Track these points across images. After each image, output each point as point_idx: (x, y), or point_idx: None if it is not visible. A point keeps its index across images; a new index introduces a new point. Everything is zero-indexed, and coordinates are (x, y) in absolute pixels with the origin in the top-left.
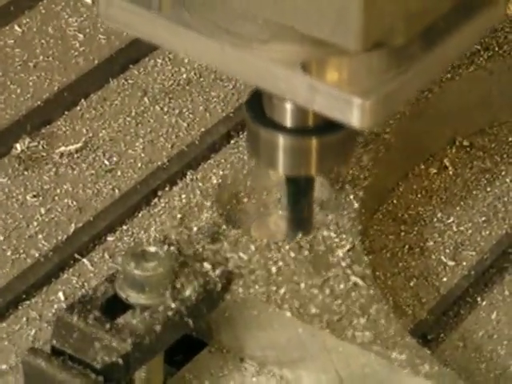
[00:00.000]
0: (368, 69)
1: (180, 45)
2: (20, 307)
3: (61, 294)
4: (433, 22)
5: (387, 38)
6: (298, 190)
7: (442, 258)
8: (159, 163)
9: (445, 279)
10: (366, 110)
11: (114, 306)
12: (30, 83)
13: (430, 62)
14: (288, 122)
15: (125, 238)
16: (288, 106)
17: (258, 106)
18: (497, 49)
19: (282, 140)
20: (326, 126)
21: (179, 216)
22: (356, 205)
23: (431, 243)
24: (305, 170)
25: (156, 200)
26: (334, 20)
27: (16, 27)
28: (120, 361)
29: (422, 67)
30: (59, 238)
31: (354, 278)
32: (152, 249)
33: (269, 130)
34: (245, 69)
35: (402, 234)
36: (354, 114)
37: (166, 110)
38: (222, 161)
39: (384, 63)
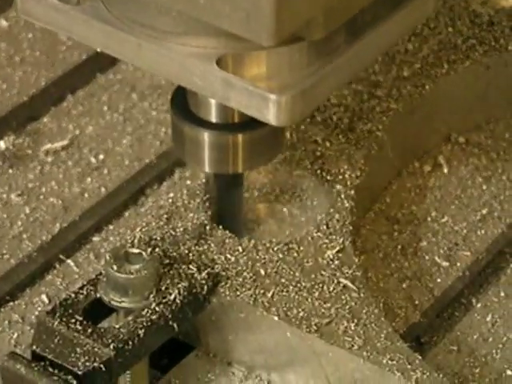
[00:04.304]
0: (287, 64)
1: (97, 40)
2: (2, 309)
3: (44, 297)
4: (357, 14)
5: (305, 31)
6: (227, 187)
7: (436, 258)
8: (147, 161)
9: (439, 280)
10: (282, 106)
11: (97, 310)
12: (16, 78)
13: (354, 56)
14: (213, 117)
15: (111, 238)
16: (212, 102)
17: (183, 101)
18: (493, 43)
19: (207, 137)
20: (252, 122)
21: (165, 216)
22: (347, 204)
23: (425, 243)
24: (232, 168)
25: (143, 199)
26: (245, 13)
27: (2, 21)
28: (102, 367)
29: (345, 61)
30: (44, 238)
31: (343, 281)
32: (135, 250)
33: (193, 126)
34: (161, 64)
35: (395, 233)
36: (271, 111)
37: (154, 106)
38: None
39: (304, 57)
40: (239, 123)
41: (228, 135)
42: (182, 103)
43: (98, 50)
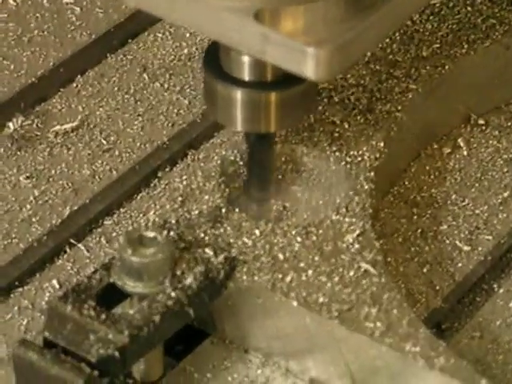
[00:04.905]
0: (325, 18)
1: None
2: (12, 295)
3: (55, 282)
4: None
5: None
6: (259, 147)
7: (457, 242)
8: (159, 142)
9: (460, 265)
10: (320, 60)
11: (111, 295)
12: (24, 59)
13: (391, 11)
14: (246, 75)
15: (123, 222)
16: (245, 59)
17: (216, 60)
18: None
19: (239, 95)
20: (286, 80)
21: (180, 199)
22: (366, 187)
23: (445, 227)
24: (264, 127)
25: (156, 181)
26: None
27: (10, 0)
28: (116, 354)
29: (382, 16)
30: (53, 221)
31: (364, 265)
32: (150, 234)
33: (226, 84)
34: (197, 19)
35: (415, 217)
36: (309, 65)
37: (166, 86)
38: (225, 140)
39: (342, 12)
40: (272, 81)
41: (261, 93)
42: (215, 62)
43: (132, 5)
